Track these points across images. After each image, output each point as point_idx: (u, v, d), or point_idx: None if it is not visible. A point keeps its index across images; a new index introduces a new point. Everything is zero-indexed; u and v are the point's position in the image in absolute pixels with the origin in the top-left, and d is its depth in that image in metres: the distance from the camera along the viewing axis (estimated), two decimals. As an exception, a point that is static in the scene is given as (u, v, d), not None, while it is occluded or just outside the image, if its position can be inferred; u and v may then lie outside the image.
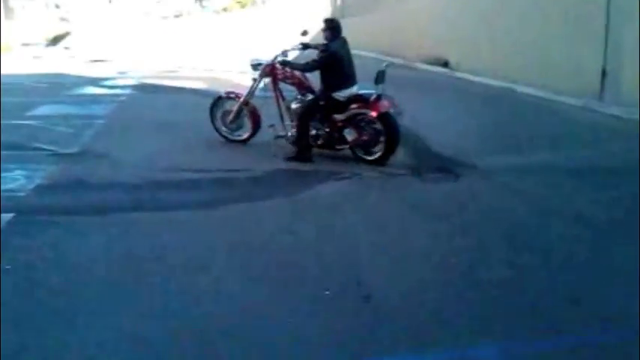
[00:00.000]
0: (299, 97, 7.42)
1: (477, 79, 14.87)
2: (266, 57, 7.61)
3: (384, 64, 7.16)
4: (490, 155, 7.36)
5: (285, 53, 7.49)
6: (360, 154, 7.08)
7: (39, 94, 12.69)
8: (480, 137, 8.34)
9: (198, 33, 38.94)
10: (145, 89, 13.92)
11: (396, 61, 19.87)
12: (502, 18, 14.81)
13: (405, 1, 22.07)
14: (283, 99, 7.56)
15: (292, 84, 7.47)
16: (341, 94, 6.98)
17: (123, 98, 12.36)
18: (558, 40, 12.14)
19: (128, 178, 6.30)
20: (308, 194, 5.88)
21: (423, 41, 19.97)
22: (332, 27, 7.16)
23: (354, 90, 7.05)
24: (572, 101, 10.87)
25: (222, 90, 8.15)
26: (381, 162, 6.92)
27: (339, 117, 7.03)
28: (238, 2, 53.77)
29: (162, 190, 5.94)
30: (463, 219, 5.16)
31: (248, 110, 7.80)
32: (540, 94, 11.87)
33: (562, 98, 11.17)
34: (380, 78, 6.97)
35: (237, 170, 6.71)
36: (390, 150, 6.93)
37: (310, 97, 7.31)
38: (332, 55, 6.98)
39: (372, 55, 20.64)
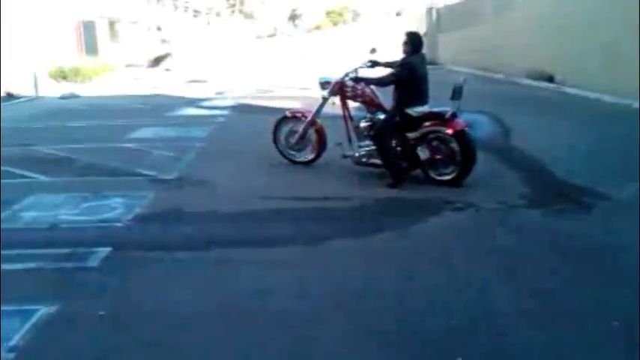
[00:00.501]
0: (368, 115, 7.08)
1: (587, 94, 13.82)
2: (336, 74, 7.29)
3: (462, 79, 6.72)
4: (623, 184, 6.55)
5: (356, 70, 7.14)
6: (432, 175, 6.69)
7: (139, 116, 12.84)
8: (607, 162, 7.51)
9: (292, 51, 39.34)
10: (242, 110, 13.87)
11: (497, 76, 19.10)
12: (611, 29, 13.74)
13: (504, 14, 21.17)
14: (351, 118, 7.22)
15: (362, 102, 7.16)
16: (415, 111, 6.61)
17: (221, 119, 12.30)
18: None
19: (228, 207, 5.99)
20: (420, 228, 5.34)
21: (524, 55, 18.99)
22: (413, 41, 6.78)
23: (426, 108, 6.66)
24: None
25: (314, 108, 7.83)
26: (454, 183, 6.52)
27: (411, 135, 6.68)
28: (330, 20, 54.04)
29: (263, 222, 5.58)
30: (614, 262, 4.48)
31: (314, 130, 7.49)
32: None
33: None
34: (457, 94, 6.54)
35: (337, 199, 6.28)
36: (465, 171, 6.51)
37: (381, 115, 6.93)
38: (412, 70, 6.64)
39: (470, 71, 19.85)
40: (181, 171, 7.59)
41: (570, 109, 12.14)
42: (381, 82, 6.89)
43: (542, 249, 4.81)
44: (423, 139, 6.68)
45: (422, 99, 6.73)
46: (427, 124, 6.65)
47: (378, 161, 6.94)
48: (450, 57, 24.73)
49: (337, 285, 4.19)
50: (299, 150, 7.77)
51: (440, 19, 27.38)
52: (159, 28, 48.51)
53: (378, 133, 6.78)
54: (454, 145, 6.58)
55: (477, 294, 4.01)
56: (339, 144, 7.36)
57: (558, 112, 11.90)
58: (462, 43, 23.80)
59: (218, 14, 69.12)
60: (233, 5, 70.57)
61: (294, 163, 7.77)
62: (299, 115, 7.73)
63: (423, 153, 6.67)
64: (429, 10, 28.63)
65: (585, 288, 4.09)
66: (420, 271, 4.40)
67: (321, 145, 7.57)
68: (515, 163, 7.60)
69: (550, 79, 17.24)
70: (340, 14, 59.24)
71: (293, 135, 7.68)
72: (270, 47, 44.27)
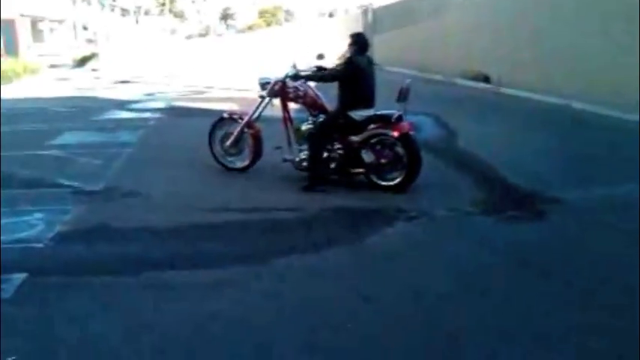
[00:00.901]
0: (310, 118, 6.72)
1: (524, 94, 13.87)
2: (277, 75, 6.89)
3: (407, 81, 6.43)
4: (572, 186, 6.39)
5: (296, 69, 6.76)
6: (375, 180, 6.37)
7: (63, 120, 11.99)
8: (554, 164, 7.36)
9: (225, 52, 38.53)
10: (176, 112, 13.19)
11: (435, 77, 19.06)
12: (546, 30, 13.87)
13: (439, 15, 21.22)
14: (291, 121, 6.84)
15: (304, 104, 6.77)
16: (359, 114, 6.28)
17: (152, 123, 11.60)
18: (615, 52, 11.15)
19: (163, 222, 5.43)
20: (375, 242, 4.96)
21: (460, 56, 19.04)
22: (358, 42, 6.46)
23: (369, 112, 6.35)
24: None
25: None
26: (401, 189, 6.23)
27: (355, 138, 6.34)
28: (264, 20, 53.44)
29: (201, 238, 5.06)
30: (576, 273, 4.20)
31: (250, 134, 7.06)
32: (601, 110, 10.83)
33: (628, 116, 10.13)
34: (403, 96, 6.26)
35: (281, 209, 5.83)
36: (411, 175, 6.23)
37: (322, 119, 6.60)
38: (355, 68, 6.31)
39: (407, 71, 19.70)
40: (109, 181, 6.96)
41: (509, 110, 12.09)
42: (322, 78, 6.57)
43: (504, 261, 4.51)
44: (367, 143, 6.34)
45: (367, 102, 6.39)
46: (372, 126, 6.31)
47: (319, 166, 6.59)
48: (386, 58, 24.62)
49: (285, 311, 3.74)
50: (234, 155, 7.29)
51: (376, 20, 27.27)
52: (85, 27, 46.74)
53: (313, 132, 6.46)
54: (399, 149, 6.29)
55: (443, 315, 3.65)
56: (279, 148, 6.93)
57: (500, 112, 11.84)
58: (399, 43, 23.71)
59: (147, 13, 67.42)
60: (163, 4, 69.01)
61: (230, 169, 7.28)
62: (236, 116, 7.26)
63: (367, 156, 6.33)
64: (365, 11, 28.50)
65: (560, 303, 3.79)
66: (377, 292, 4.00)
67: (257, 149, 7.12)
68: (463, 167, 7.35)
69: (486, 79, 17.32)
70: (273, 14, 58.76)
71: (228, 138, 7.20)
72: (202, 47, 43.21)
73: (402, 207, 5.79)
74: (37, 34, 37.46)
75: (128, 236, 5.11)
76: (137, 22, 57.90)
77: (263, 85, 6.93)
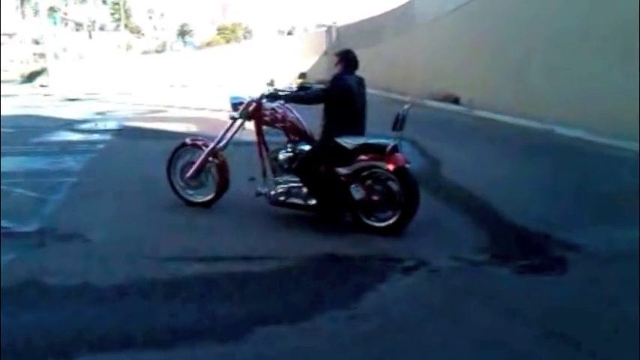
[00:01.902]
0: (289, 145, 5.78)
1: (500, 118, 13.25)
2: (250, 94, 6.01)
3: (406, 106, 5.53)
4: (583, 228, 5.60)
5: (273, 87, 5.89)
6: (364, 220, 5.47)
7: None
8: (555, 200, 6.59)
9: (182, 68, 37.29)
10: (128, 134, 12.06)
11: (402, 98, 18.36)
12: (520, 49, 13.32)
13: (406, 33, 20.67)
14: (267, 148, 5.92)
15: (282, 128, 5.82)
16: (349, 142, 5.38)
17: (101, 146, 10.46)
18: (598, 71, 10.58)
19: (104, 278, 4.37)
20: (370, 304, 4.02)
21: (428, 76, 18.50)
22: (346, 59, 5.62)
23: (360, 140, 5.45)
24: (631, 146, 9.19)
25: (215, 132, 6.41)
26: (394, 231, 5.35)
27: (343, 170, 5.47)
28: (223, 37, 52.46)
29: (155, 301, 4.03)
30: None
31: (215, 164, 6.11)
32: (589, 137, 10.20)
33: (616, 142, 9.51)
34: (399, 124, 5.39)
35: (255, 258, 4.85)
36: (407, 216, 5.35)
37: (304, 146, 5.71)
38: (344, 89, 5.45)
39: (373, 91, 18.91)
40: (45, 219, 5.86)
41: (492, 135, 11.33)
42: (305, 98, 5.66)
43: (538, 334, 3.62)
44: (356, 177, 5.45)
45: (357, 128, 5.52)
46: (363, 157, 5.42)
47: (298, 201, 5.70)
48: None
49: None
50: (196, 187, 6.31)
51: (340, 38, 26.62)
52: (37, 42, 44.94)
53: (302, 165, 5.54)
54: (394, 185, 5.42)
55: None
56: (252, 179, 5.97)
57: (480, 138, 11.09)
58: (364, 63, 22.92)
59: (102, 28, 65.73)
60: (118, 19, 67.40)
61: (192, 204, 6.30)
62: (200, 143, 6.28)
63: (357, 193, 5.43)
64: (329, 29, 27.83)
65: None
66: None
67: (223, 182, 6.15)
68: (454, 202, 6.51)
69: (456, 101, 16.74)
70: (232, 31, 57.86)
71: (190, 168, 6.21)
72: (159, 63, 41.83)
73: (397, 254, 4.90)
74: (-17, 48, 35.72)
75: (61, 298, 4.05)
76: (90, 36, 56.08)
77: (235, 106, 5.99)
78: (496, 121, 13.05)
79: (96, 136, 11.64)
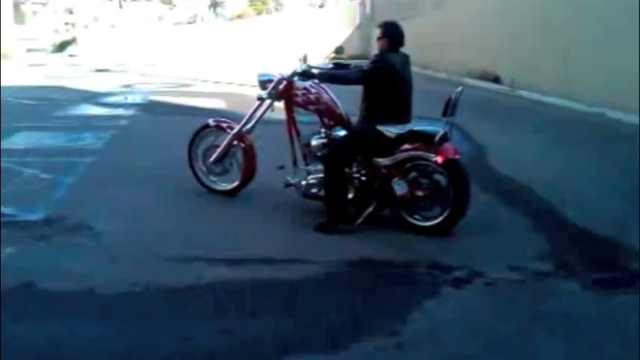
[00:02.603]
0: (323, 131, 5.10)
1: (546, 99, 12.37)
2: (280, 71, 5.32)
3: (459, 89, 4.77)
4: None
5: (307, 65, 5.14)
6: (407, 217, 4.82)
7: (20, 116, 10.27)
8: (624, 198, 5.82)
9: (213, 40, 36.74)
10: (153, 109, 11.49)
11: (440, 75, 17.54)
12: (566, 26, 12.37)
13: (444, 7, 19.69)
14: (298, 133, 5.25)
15: (316, 111, 5.12)
16: (391, 130, 4.70)
17: (124, 122, 9.93)
18: None
19: (114, 283, 3.83)
20: (419, 328, 3.39)
21: (466, 53, 17.53)
22: (391, 34, 4.84)
23: (406, 127, 4.77)
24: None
25: (245, 109, 5.78)
26: (441, 230, 4.72)
27: (383, 161, 4.77)
28: (254, 8, 51.59)
29: (171, 317, 3.47)
30: None
31: (241, 148, 5.49)
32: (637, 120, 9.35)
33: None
34: (450, 109, 4.65)
35: (283, 261, 4.26)
36: (457, 214, 4.68)
37: (341, 132, 5.02)
38: (389, 69, 4.70)
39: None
40: (54, 206, 5.33)
41: (540, 119, 10.47)
42: (344, 78, 4.96)
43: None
44: (398, 169, 4.79)
45: (402, 114, 4.84)
46: (407, 147, 4.75)
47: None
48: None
49: None
50: (219, 174, 5.73)
51: (374, 12, 25.66)
52: (70, 11, 44.66)
53: (333, 153, 4.87)
54: (442, 179, 4.76)
55: None
56: (282, 168, 5.37)
57: (527, 121, 10.23)
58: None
59: (135, -1, 65.32)
60: (150, -11, 66.87)
61: (215, 192, 5.74)
62: (224, 125, 5.66)
63: (399, 187, 4.78)
64: (363, 2, 26.87)
65: None
66: None
67: (249, 168, 5.54)
68: (508, 199, 5.80)
69: (496, 80, 15.85)
70: (264, 3, 56.94)
71: (213, 152, 5.63)
72: (190, 35, 41.27)
73: (446, 261, 4.25)
74: (19, 16, 35.54)
75: (52, 311, 3.50)
76: (120, 6, 55.63)
77: (263, 84, 5.35)
78: (542, 103, 12.19)
79: (120, 111, 11.12)
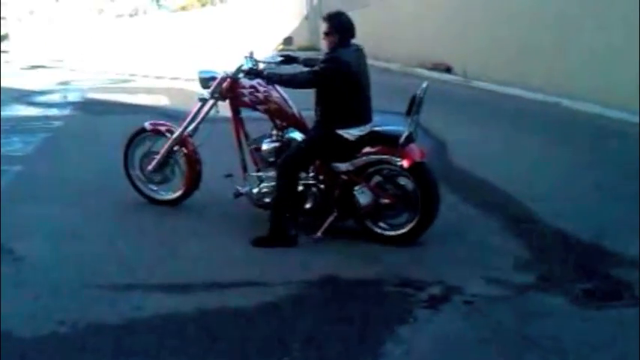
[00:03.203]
0: (274, 132, 4.60)
1: (501, 89, 12.13)
2: (223, 68, 4.76)
3: (424, 85, 4.32)
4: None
5: (253, 60, 4.60)
6: (372, 227, 4.39)
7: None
8: (599, 195, 5.48)
9: (156, 34, 35.60)
10: (90, 108, 10.71)
11: (391, 67, 17.20)
12: (520, 18, 12.16)
13: (393, -3, 19.35)
14: (247, 136, 4.74)
15: (266, 112, 4.60)
16: (351, 132, 4.24)
17: (58, 124, 9.15)
18: (598, 39, 9.58)
19: (40, 321, 3.24)
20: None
21: (417, 44, 17.25)
22: (340, 28, 4.30)
23: (367, 128, 4.32)
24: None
25: (189, 106, 5.23)
26: (408, 240, 4.30)
27: (343, 167, 4.30)
28: (198, 0, 50.34)
29: (109, 353, 2.92)
30: None
31: (183, 154, 4.95)
32: (602, 111, 9.15)
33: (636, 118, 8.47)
34: (415, 106, 4.19)
35: (237, 285, 3.75)
36: (426, 221, 4.26)
37: (294, 134, 4.55)
38: (342, 67, 4.17)
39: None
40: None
41: (497, 110, 10.18)
42: (293, 81, 4.36)
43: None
44: (360, 174, 4.32)
45: (361, 115, 4.35)
46: (368, 150, 4.28)
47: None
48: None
49: None
50: (160, 182, 5.16)
51: (321, 2, 25.13)
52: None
53: (286, 161, 4.31)
54: (408, 183, 4.32)
55: None
56: (229, 176, 4.82)
57: (484, 113, 9.92)
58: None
59: (73, -10, 62.94)
60: (89, -19, 64.59)
61: (156, 202, 5.18)
62: (163, 128, 5.09)
63: (362, 196, 4.31)
64: (310, -9, 26.32)
65: None
66: None
67: (193, 176, 5.00)
68: (477, 199, 5.40)
69: (448, 70, 15.61)
70: (208, -6, 55.69)
71: (152, 159, 5.05)
72: (131, 28, 39.97)
73: (418, 275, 3.83)
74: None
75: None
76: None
77: (205, 82, 4.77)
78: (497, 94, 11.93)
79: (54, 111, 10.31)
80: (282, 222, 4.28)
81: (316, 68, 4.31)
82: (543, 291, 3.69)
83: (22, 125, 8.89)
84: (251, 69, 4.48)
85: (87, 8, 57.56)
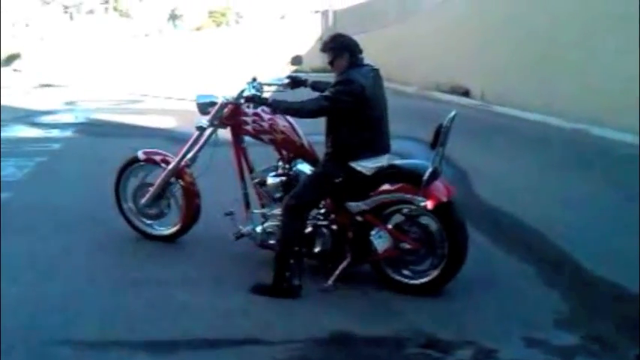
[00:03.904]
0: (281, 165, 4.08)
1: (523, 115, 11.55)
2: (224, 93, 4.23)
3: (452, 113, 3.74)
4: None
5: (257, 84, 4.13)
6: (390, 274, 3.83)
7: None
8: None
9: (170, 54, 35.43)
10: (93, 130, 10.25)
11: (407, 90, 16.72)
12: (540, 41, 11.62)
13: (409, 18, 18.92)
14: (250, 168, 4.21)
15: (271, 142, 4.08)
16: (367, 165, 3.69)
17: (57, 147, 8.69)
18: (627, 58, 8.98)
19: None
20: None
21: (434, 66, 16.75)
22: (344, 47, 3.78)
23: (384, 160, 3.77)
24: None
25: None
26: (431, 289, 3.76)
27: (358, 206, 3.75)
28: (213, 20, 50.43)
29: None
30: None
31: (180, 186, 4.46)
32: (628, 139, 8.56)
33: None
34: (441, 138, 3.62)
35: (232, 344, 3.24)
36: (453, 268, 3.71)
37: (303, 166, 4.03)
38: (357, 90, 3.62)
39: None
40: None
41: (522, 137, 9.52)
42: (303, 110, 3.79)
43: None
44: (377, 215, 3.79)
45: (378, 145, 3.81)
46: (387, 187, 3.74)
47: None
48: (347, 65, 22.26)
49: None
50: (155, 217, 4.68)
51: (336, 23, 24.79)
52: (26, 24, 42.78)
53: (292, 200, 3.75)
54: (432, 223, 3.78)
55: None
56: (230, 214, 4.28)
57: (508, 140, 9.27)
58: (364, 49, 21.33)
59: (91, 12, 63.45)
60: (106, 1, 65.11)
61: (151, 238, 4.69)
62: (158, 158, 4.59)
63: (381, 241, 3.78)
64: (325, 13, 26.01)
65: None
66: None
67: (191, 210, 4.51)
68: (506, 239, 4.85)
69: (465, 93, 15.09)
70: (223, 14, 55.82)
71: (145, 192, 4.57)
72: (147, 48, 39.85)
73: (443, 334, 3.30)
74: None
75: None
76: (72, 18, 53.78)
77: (203, 107, 4.25)
78: (519, 119, 11.35)
79: (55, 133, 9.88)
80: (285, 269, 3.72)
81: (327, 93, 3.76)
82: (593, 356, 3.13)
83: (18, 148, 8.43)
84: (254, 95, 3.97)
85: (102, 28, 57.90)
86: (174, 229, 4.62)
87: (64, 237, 4.79)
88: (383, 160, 3.79)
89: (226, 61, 29.13)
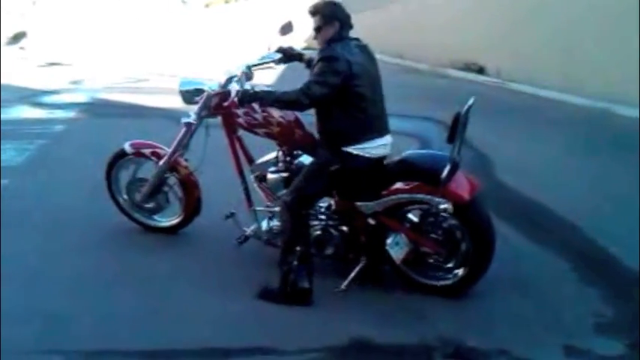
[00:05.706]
0: (281, 159, 3.69)
1: (542, 93, 11.09)
2: (214, 77, 3.82)
3: (470, 101, 3.32)
4: None
5: (249, 71, 3.74)
6: (413, 275, 3.49)
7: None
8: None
9: (178, 31, 34.99)
10: (97, 111, 9.90)
11: (419, 67, 16.27)
12: (560, 15, 11.13)
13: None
14: (250, 159, 3.86)
15: (268, 136, 3.68)
16: (364, 149, 3.34)
17: (59, 128, 8.35)
18: None
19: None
20: None
21: (447, 42, 16.21)
22: (332, 16, 3.37)
23: (384, 141, 3.38)
24: None
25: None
26: (454, 292, 3.42)
27: (369, 207, 3.40)
28: (222, -3, 49.71)
29: None
30: None
31: (178, 179, 4.15)
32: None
33: None
34: (459, 129, 3.19)
35: (239, 353, 2.97)
36: (479, 268, 3.36)
37: (306, 160, 3.64)
38: (343, 68, 3.21)
39: (385, 59, 16.49)
40: None
41: (543, 117, 9.05)
42: (280, 100, 3.38)
43: None
44: (392, 217, 3.44)
45: (372, 126, 3.40)
46: (400, 186, 3.37)
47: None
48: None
49: None
50: (154, 211, 4.38)
51: (346, -2, 24.24)
52: (33, 2, 42.28)
53: (292, 198, 3.38)
54: (454, 225, 3.42)
55: None
56: (232, 215, 3.93)
57: (530, 120, 8.82)
58: (374, 26, 20.59)
59: (97, -12, 62.78)
60: (114, -22, 64.40)
61: (150, 229, 4.41)
62: (148, 151, 4.23)
63: (397, 250, 3.47)
64: (335, -13, 25.38)
65: None
66: None
67: (191, 201, 4.19)
68: (536, 230, 4.50)
69: (480, 70, 14.63)
70: (232, -9, 55.12)
71: (140, 186, 4.27)
72: (155, 25, 39.38)
73: (471, 340, 2.99)
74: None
75: None
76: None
77: (188, 96, 3.83)
78: (538, 97, 10.90)
79: (58, 113, 9.54)
80: (291, 271, 3.38)
81: (311, 78, 3.29)
82: (639, 368, 2.81)
83: (19, 129, 8.11)
84: (243, 97, 3.44)
85: (109, 4, 57.32)
86: (176, 220, 4.34)
87: (57, 231, 4.51)
88: (382, 142, 3.41)
89: (236, 38, 28.71)
